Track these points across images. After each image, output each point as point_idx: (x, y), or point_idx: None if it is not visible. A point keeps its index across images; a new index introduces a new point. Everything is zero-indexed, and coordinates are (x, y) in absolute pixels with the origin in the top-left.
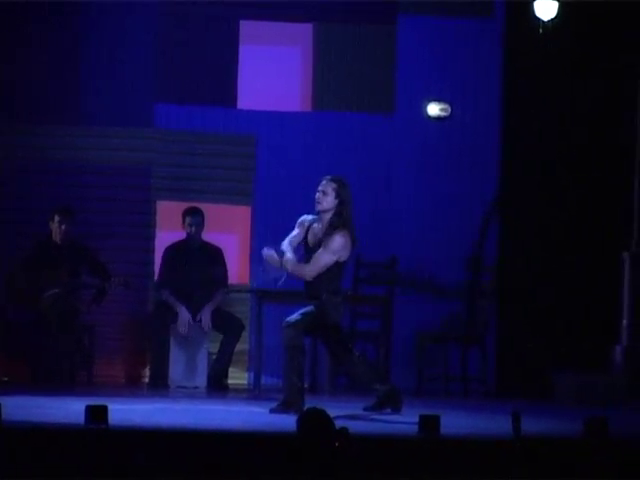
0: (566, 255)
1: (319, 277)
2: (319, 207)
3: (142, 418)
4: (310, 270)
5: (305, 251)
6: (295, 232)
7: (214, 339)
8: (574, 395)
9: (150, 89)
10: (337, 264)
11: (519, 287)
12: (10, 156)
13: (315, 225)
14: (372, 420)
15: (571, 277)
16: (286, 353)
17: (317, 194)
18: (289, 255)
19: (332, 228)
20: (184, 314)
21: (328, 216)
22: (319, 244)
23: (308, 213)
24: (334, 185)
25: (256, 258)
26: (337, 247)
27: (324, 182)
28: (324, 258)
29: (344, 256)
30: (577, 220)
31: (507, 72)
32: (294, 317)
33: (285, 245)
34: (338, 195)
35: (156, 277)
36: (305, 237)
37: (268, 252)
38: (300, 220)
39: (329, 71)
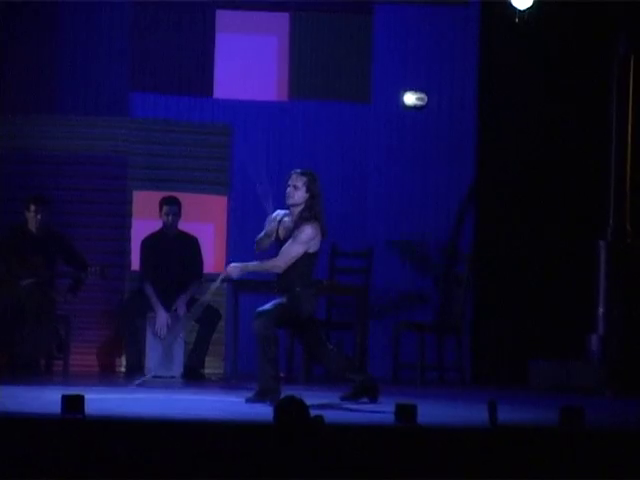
0: (542, 243)
1: (291, 270)
2: (290, 201)
3: (119, 408)
4: (279, 262)
5: (277, 245)
6: (268, 227)
7: (190, 329)
8: (550, 383)
9: (126, 78)
10: (307, 255)
11: (495, 275)
12: None
13: (286, 219)
14: (348, 409)
15: (547, 265)
16: (258, 344)
17: (288, 189)
18: (254, 262)
19: (302, 220)
20: (162, 315)
21: (299, 210)
22: (290, 237)
23: (284, 202)
24: (304, 179)
25: (232, 248)
26: (306, 238)
27: (294, 176)
28: (293, 249)
29: (313, 247)
30: (553, 209)
31: (483, 61)
32: (266, 307)
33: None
34: (309, 189)
35: (137, 268)
36: (277, 231)
37: (232, 266)
38: (273, 215)
39: (305, 60)
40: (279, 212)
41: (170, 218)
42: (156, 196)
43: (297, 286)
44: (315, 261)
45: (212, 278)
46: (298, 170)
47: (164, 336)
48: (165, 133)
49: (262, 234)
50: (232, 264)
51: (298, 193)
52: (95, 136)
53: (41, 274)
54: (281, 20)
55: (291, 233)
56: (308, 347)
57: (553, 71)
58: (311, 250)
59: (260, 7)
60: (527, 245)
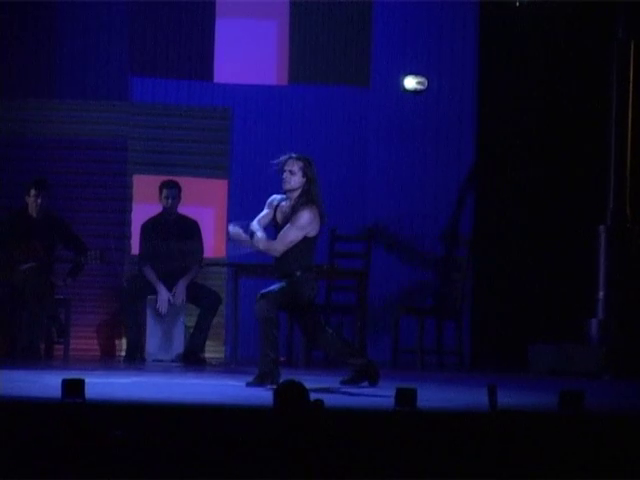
0: (542, 227)
1: (290, 254)
2: (287, 186)
3: (119, 392)
4: (277, 245)
5: (275, 230)
6: (264, 212)
7: (191, 313)
8: (549, 367)
9: (126, 62)
10: (306, 240)
11: (494, 259)
12: None
13: (283, 204)
14: (348, 393)
15: (547, 249)
16: (260, 326)
17: (284, 173)
18: (259, 234)
19: (300, 205)
20: (164, 293)
21: (296, 194)
22: (287, 222)
23: (281, 188)
24: (301, 164)
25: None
26: (304, 222)
27: (290, 161)
28: (291, 234)
29: (312, 231)
30: (553, 193)
31: (483, 45)
32: (267, 290)
33: (254, 225)
34: (305, 174)
35: (137, 252)
36: (274, 216)
37: (234, 229)
38: (269, 200)
39: (305, 44)
40: (276, 197)
41: (170, 201)
42: (156, 180)
43: (297, 270)
44: (314, 245)
45: (212, 262)
46: (294, 155)
47: (165, 313)
48: (165, 117)
49: (257, 219)
50: (231, 226)
51: (294, 178)
52: (95, 120)
53: (41, 258)
54: (281, 4)
55: (289, 218)
56: (307, 332)
57: (553, 55)
58: (310, 234)
59: None
60: (527, 229)
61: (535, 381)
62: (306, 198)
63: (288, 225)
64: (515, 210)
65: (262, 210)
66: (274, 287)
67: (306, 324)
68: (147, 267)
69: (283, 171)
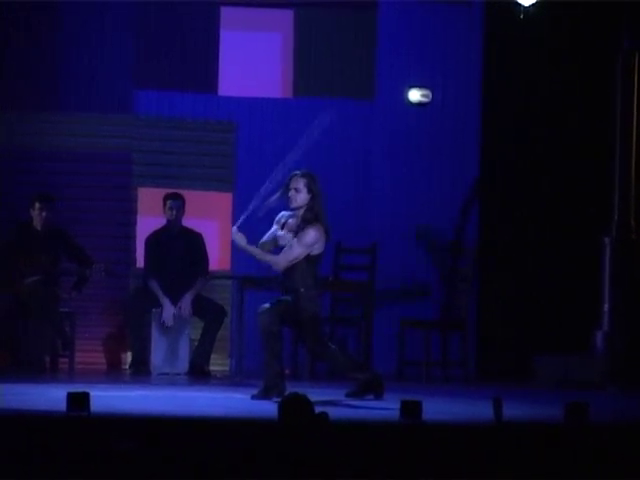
0: (547, 238)
1: (294, 271)
2: (294, 204)
3: (124, 405)
4: (280, 261)
5: (281, 247)
6: (273, 229)
7: (196, 325)
8: (555, 379)
9: (130, 75)
10: (310, 258)
11: (499, 270)
12: None
13: (290, 220)
14: (352, 406)
15: (552, 260)
16: (263, 340)
17: (290, 192)
18: (256, 248)
19: (305, 222)
20: (169, 307)
21: (302, 211)
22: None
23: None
24: (305, 180)
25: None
26: (310, 241)
27: (294, 179)
28: (295, 251)
29: (317, 249)
30: (558, 204)
31: (487, 57)
32: (270, 303)
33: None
34: (310, 190)
35: (142, 265)
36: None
37: (237, 235)
38: (277, 217)
39: (310, 57)
40: (284, 214)
41: (174, 213)
42: (161, 193)
43: (301, 287)
44: (318, 264)
45: (217, 275)
46: (297, 172)
47: (171, 325)
48: (169, 130)
49: (266, 237)
50: (237, 230)
51: (300, 195)
52: (99, 133)
53: (46, 271)
54: (285, 17)
55: (295, 235)
56: (310, 348)
57: (558, 67)
58: (314, 253)
59: (264, 4)
60: (532, 240)
61: (540, 393)
62: (310, 214)
63: (294, 241)
64: (520, 221)
65: (261, 222)
66: (276, 300)
67: (307, 340)
68: (153, 280)
69: (288, 189)
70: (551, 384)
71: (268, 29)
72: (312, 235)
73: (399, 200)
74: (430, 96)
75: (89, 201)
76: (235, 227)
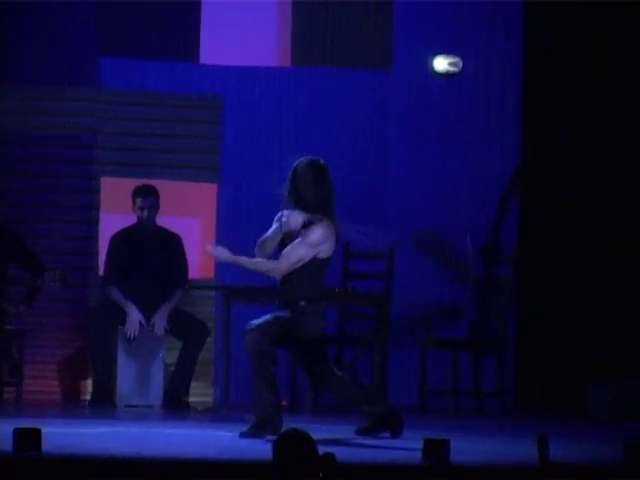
0: (602, 243)
1: (296, 278)
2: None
3: (83, 444)
4: (281, 264)
5: (280, 248)
6: (273, 227)
7: (172, 346)
8: (611, 412)
9: (93, 39)
10: (316, 262)
11: (544, 281)
12: None
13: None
14: (365, 445)
15: (607, 270)
16: (252, 362)
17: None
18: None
19: (312, 219)
20: (134, 313)
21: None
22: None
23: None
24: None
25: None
26: (316, 240)
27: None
28: (299, 251)
29: (324, 252)
30: (615, 200)
31: (529, 19)
32: (260, 319)
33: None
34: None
35: (101, 272)
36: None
37: (217, 250)
38: (279, 215)
39: (312, 18)
40: (285, 211)
41: (145, 213)
42: (130, 184)
43: (302, 299)
44: (325, 270)
45: (199, 285)
46: (302, 160)
47: (135, 337)
48: (141, 107)
49: (268, 234)
50: (220, 247)
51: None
52: (56, 111)
53: None
54: None
55: (298, 234)
56: (312, 375)
57: (606, 38)
58: (320, 256)
59: None
60: (583, 245)
61: (594, 429)
62: (320, 210)
63: (297, 240)
64: (569, 221)
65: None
66: (268, 316)
67: (309, 366)
68: (112, 288)
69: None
70: (606, 417)
71: None
72: (319, 233)
73: (421, 193)
74: (460, 65)
75: (42, 194)
76: (210, 245)
